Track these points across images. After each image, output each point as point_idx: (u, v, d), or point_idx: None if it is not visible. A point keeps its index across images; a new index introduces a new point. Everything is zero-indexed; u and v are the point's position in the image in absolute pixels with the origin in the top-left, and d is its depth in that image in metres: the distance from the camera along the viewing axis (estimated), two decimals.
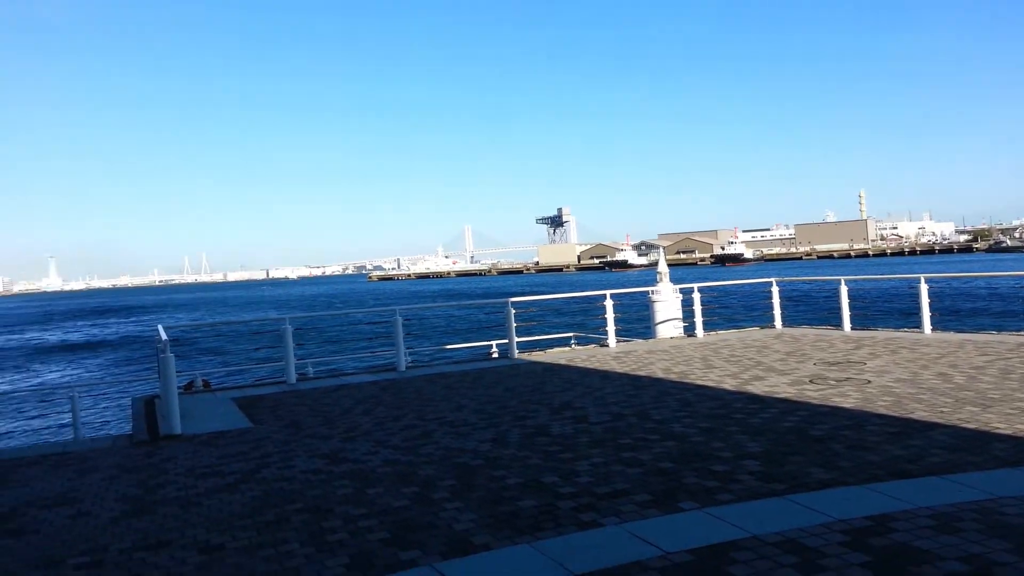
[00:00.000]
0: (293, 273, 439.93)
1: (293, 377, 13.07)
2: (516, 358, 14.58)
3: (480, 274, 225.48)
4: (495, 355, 16.20)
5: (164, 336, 10.30)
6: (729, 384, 10.25)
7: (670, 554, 4.49)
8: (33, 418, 25.31)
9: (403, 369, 13.78)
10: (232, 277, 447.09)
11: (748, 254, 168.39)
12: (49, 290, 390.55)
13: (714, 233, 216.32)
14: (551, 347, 16.50)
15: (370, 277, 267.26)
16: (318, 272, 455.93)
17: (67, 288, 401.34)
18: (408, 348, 14.55)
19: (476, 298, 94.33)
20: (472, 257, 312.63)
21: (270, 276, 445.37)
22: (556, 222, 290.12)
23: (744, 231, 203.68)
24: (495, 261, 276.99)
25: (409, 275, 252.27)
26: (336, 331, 48.42)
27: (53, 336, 76.26)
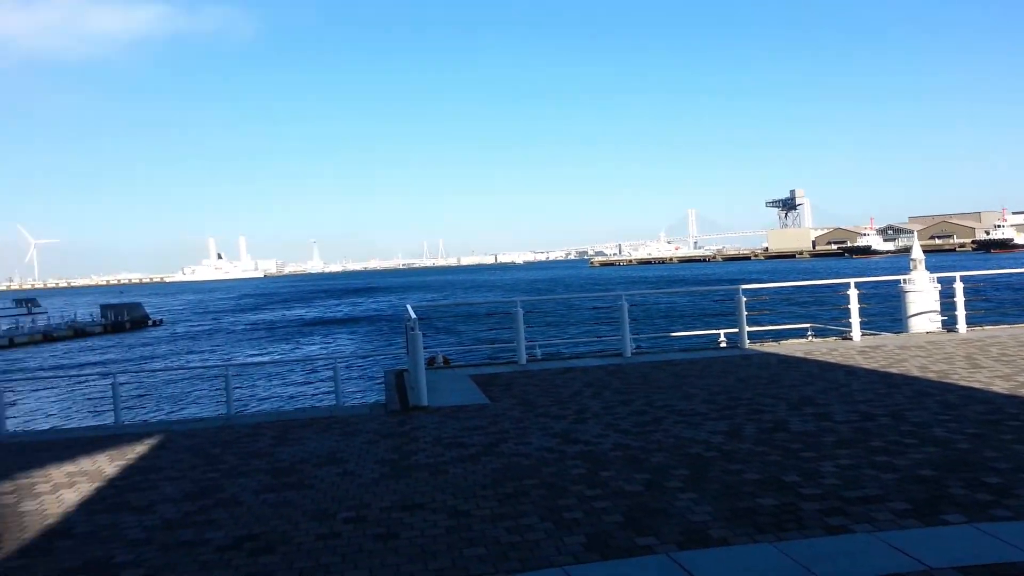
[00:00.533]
0: (519, 258, 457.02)
1: (524, 358, 13.59)
2: (747, 348, 14.00)
3: (704, 260, 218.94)
4: (723, 344, 15.67)
5: (413, 315, 11.17)
6: (1001, 387, 9.06)
7: (935, 570, 4.09)
8: (301, 385, 28.75)
9: (628, 355, 13.78)
10: (464, 261, 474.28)
11: (1020, 239, 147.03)
12: (312, 271, 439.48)
13: (976, 216, 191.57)
14: (785, 338, 15.62)
15: (592, 262, 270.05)
16: (542, 257, 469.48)
17: (327, 270, 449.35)
18: (632, 334, 14.52)
19: (700, 285, 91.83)
20: (695, 242, 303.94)
21: (498, 260, 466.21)
22: (788, 205, 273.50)
23: (1014, 212, 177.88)
24: (720, 247, 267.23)
25: (630, 260, 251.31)
26: (560, 314, 49.61)
27: (314, 312, 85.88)
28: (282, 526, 5.53)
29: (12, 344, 58.53)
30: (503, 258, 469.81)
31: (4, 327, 64.16)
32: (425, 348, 11.38)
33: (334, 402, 13.27)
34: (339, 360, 17.01)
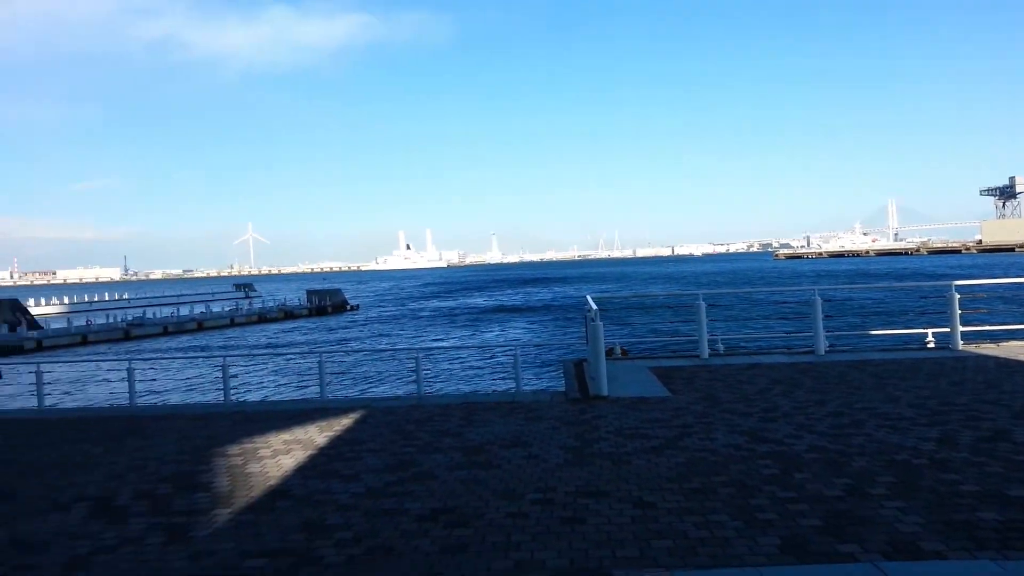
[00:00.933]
0: (697, 250, 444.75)
1: (706, 352, 13.23)
2: (960, 349, 12.73)
3: (905, 253, 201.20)
4: (931, 344, 14.35)
5: (594, 306, 11.23)
6: None
7: None
8: (481, 369, 29.82)
9: (822, 352, 13.00)
10: (640, 253, 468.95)
11: None
12: (491, 262, 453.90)
13: None
14: (1005, 340, 14.03)
15: (776, 255, 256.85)
16: (721, 249, 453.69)
17: (506, 260, 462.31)
18: (825, 331, 13.67)
19: (901, 280, 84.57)
20: (896, 234, 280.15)
21: (675, 252, 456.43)
22: (1007, 193, 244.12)
23: None
24: (924, 239, 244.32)
25: (820, 253, 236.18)
26: (742, 309, 47.70)
27: (492, 301, 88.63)
28: (474, 502, 5.79)
29: (233, 324, 65.48)
30: (680, 250, 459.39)
31: (227, 308, 71.97)
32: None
33: (514, 387, 13.66)
34: (519, 347, 17.41)
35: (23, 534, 5.55)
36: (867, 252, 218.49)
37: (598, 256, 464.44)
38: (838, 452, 6.68)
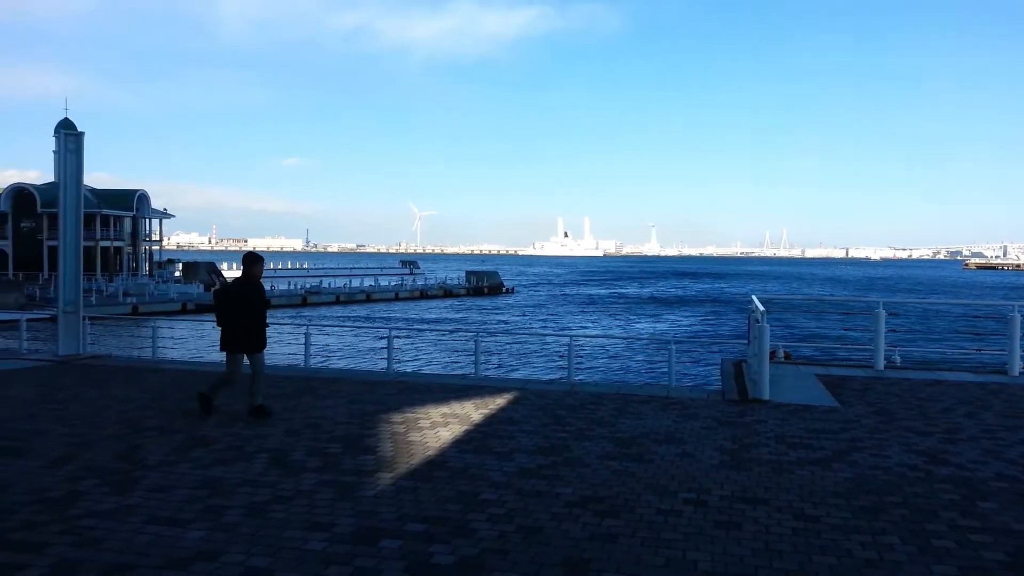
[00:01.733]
0: (875, 254, 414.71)
1: (881, 363, 12.35)
2: None
3: None
4: None
5: (760, 307, 10.78)
6: None
7: None
8: (634, 361, 29.51)
9: (1016, 373, 11.75)
10: (810, 253, 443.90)
11: None
12: (649, 253, 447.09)
13: None
14: None
15: (966, 264, 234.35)
16: (903, 254, 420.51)
17: (663, 253, 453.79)
18: (1022, 351, 12.32)
19: None
20: None
21: (849, 255, 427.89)
22: None
23: None
24: None
25: (1018, 265, 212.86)
26: (925, 320, 44.00)
27: (647, 291, 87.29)
28: (624, 494, 5.76)
29: (397, 298, 68.97)
30: (856, 253, 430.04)
31: (393, 283, 75.87)
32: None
33: (667, 382, 13.41)
34: (673, 342, 17.04)
35: (214, 478, 6.16)
36: None
37: (763, 254, 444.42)
38: None
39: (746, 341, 12.78)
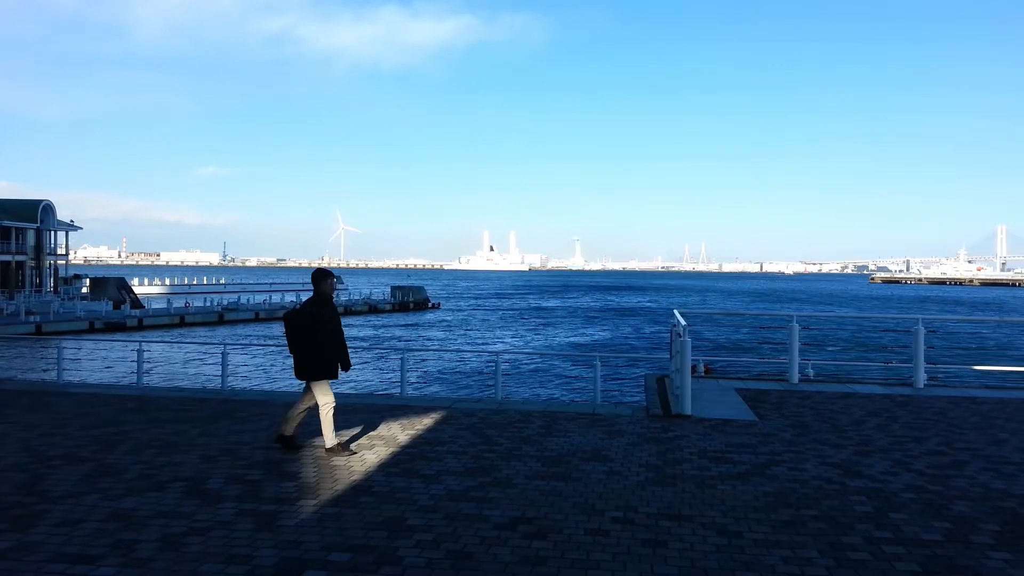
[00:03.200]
0: (787, 268, 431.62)
1: (796, 377, 12.80)
2: None
3: (1014, 284, 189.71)
4: None
5: (682, 321, 11.02)
6: None
7: None
8: (560, 376, 29.75)
9: (921, 386, 12.37)
10: (727, 268, 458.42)
11: None
12: (573, 267, 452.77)
13: None
14: None
15: (872, 279, 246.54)
16: (813, 269, 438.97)
17: (587, 267, 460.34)
18: (926, 362, 12.99)
19: (1009, 312, 79.85)
20: (1004, 264, 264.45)
21: (763, 269, 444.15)
22: None
23: None
24: None
25: (919, 279, 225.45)
26: (833, 333, 45.94)
27: (571, 306, 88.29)
28: (553, 514, 5.76)
29: None
30: (769, 267, 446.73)
31: None
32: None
33: (592, 398, 13.56)
34: (599, 357, 17.28)
35: (125, 510, 5.85)
36: (971, 281, 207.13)
37: (682, 268, 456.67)
38: (937, 493, 6.33)
39: (668, 355, 13.05)
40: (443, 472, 7.00)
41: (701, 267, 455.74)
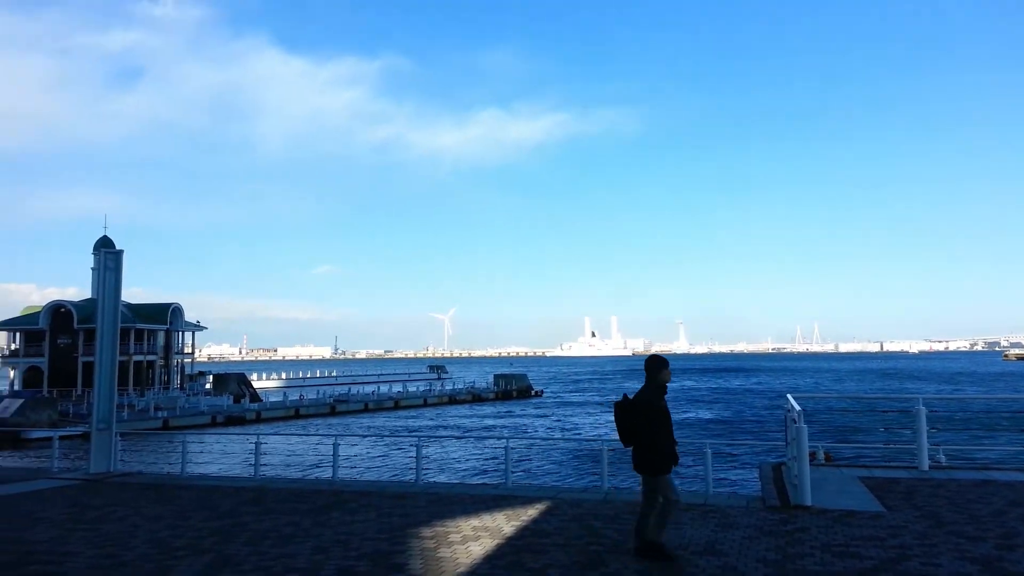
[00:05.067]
0: (912, 347, 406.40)
1: (925, 463, 11.90)
2: None
3: None
4: None
5: (796, 406, 10.56)
6: None
7: None
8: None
9: None
10: (843, 348, 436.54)
11: None
12: (678, 351, 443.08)
13: None
14: None
15: (1006, 356, 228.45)
16: (939, 347, 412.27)
17: (693, 350, 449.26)
18: None
19: None
20: None
21: (884, 348, 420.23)
22: None
23: None
24: None
25: None
26: (970, 415, 42.58)
27: (678, 391, 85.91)
28: None
29: (426, 404, 68.59)
30: (891, 346, 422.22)
31: (421, 389, 75.70)
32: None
33: (703, 488, 13.01)
34: (708, 443, 16.68)
35: None
36: None
37: (795, 349, 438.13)
38: None
39: (783, 441, 12.47)
40: (550, 565, 6.86)
41: (815, 348, 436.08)
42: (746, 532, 8.06)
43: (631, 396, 7.31)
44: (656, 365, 7.30)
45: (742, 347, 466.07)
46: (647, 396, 7.15)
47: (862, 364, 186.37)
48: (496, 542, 7.84)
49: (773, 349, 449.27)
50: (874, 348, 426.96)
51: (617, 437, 7.28)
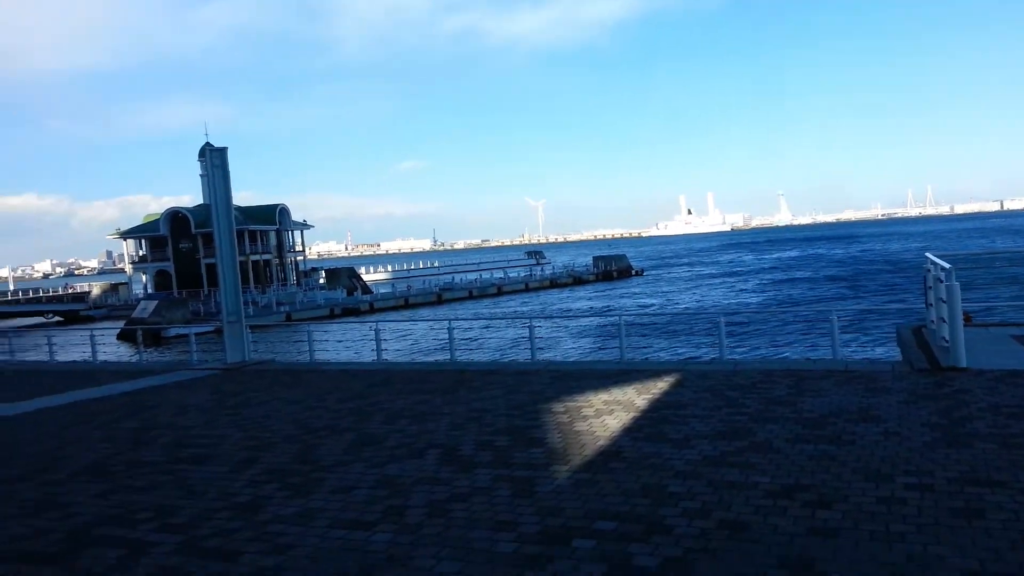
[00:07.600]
0: None
1: None
2: None
3: None
4: None
5: (944, 264, 9.68)
6: None
7: None
8: (786, 332, 28.05)
9: None
10: (959, 209, 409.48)
11: None
12: (780, 224, 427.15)
13: None
14: None
15: None
16: None
17: (795, 222, 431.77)
18: None
19: None
20: None
21: (1004, 207, 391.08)
22: None
23: None
24: None
25: None
26: None
27: (780, 261, 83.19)
28: (831, 481, 5.17)
29: (527, 288, 69.30)
30: (1012, 205, 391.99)
31: (522, 274, 76.40)
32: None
33: (831, 355, 12.41)
34: (834, 310, 15.85)
35: (390, 476, 6.07)
36: None
37: (907, 215, 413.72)
38: None
39: (923, 304, 11.61)
40: (692, 436, 6.61)
41: (929, 211, 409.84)
42: (901, 396, 7.54)
43: None
44: None
45: (849, 215, 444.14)
46: None
47: (979, 223, 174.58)
48: (631, 415, 7.65)
49: (883, 215, 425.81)
50: (994, 207, 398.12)
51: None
